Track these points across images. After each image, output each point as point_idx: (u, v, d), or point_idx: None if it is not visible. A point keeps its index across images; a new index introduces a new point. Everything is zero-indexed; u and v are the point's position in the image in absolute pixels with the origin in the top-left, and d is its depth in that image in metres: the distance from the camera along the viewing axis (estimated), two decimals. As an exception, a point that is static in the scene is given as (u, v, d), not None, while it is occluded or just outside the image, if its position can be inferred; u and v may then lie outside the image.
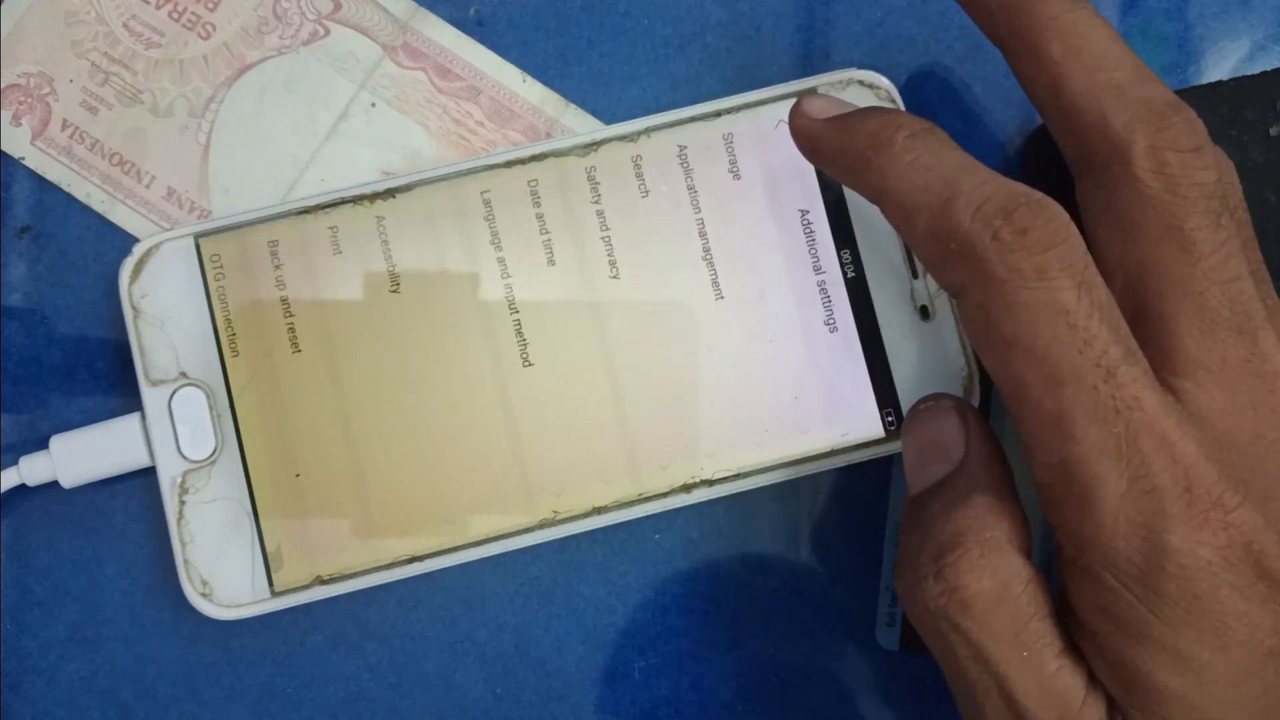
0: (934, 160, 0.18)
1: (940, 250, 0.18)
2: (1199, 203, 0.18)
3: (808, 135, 0.21)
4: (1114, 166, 0.19)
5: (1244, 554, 0.17)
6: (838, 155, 0.20)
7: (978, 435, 0.20)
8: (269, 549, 0.23)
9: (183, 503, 0.23)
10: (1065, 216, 0.17)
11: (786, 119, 0.21)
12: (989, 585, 0.18)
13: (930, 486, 0.20)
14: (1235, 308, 0.18)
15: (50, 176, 0.25)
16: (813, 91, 0.20)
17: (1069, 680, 0.18)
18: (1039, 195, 0.18)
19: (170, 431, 0.23)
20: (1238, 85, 0.25)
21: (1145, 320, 0.19)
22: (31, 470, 0.23)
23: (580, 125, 0.25)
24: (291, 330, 0.24)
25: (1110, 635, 0.18)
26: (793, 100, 0.24)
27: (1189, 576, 0.17)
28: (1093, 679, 0.18)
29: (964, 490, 0.19)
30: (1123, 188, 0.19)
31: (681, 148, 0.24)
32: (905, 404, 0.24)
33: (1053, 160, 0.25)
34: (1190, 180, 0.18)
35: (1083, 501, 0.17)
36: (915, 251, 0.19)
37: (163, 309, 0.24)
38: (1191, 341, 0.18)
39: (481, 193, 0.24)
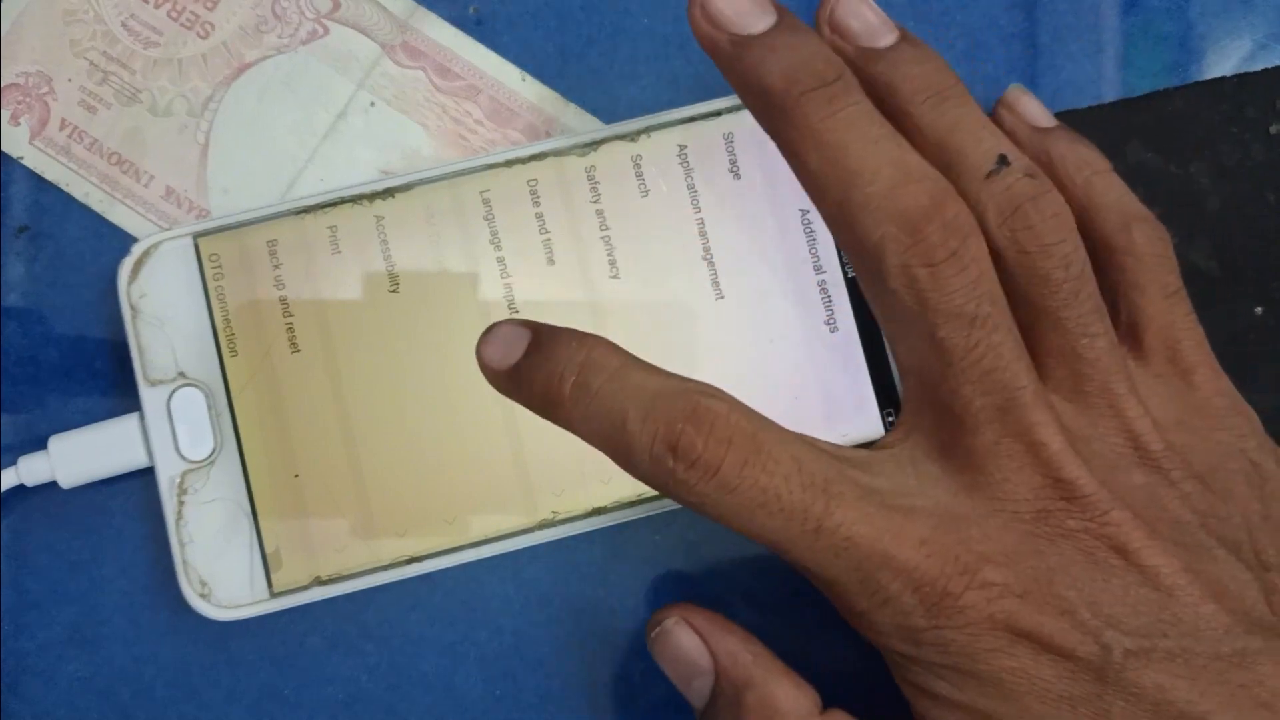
0: (601, 406, 0.19)
1: (648, 480, 0.19)
2: (950, 312, 0.19)
3: (496, 386, 0.20)
4: (874, 276, 0.19)
5: (990, 624, 0.18)
6: (530, 407, 0.20)
7: (715, 637, 0.21)
8: (268, 549, 0.23)
9: (181, 503, 0.23)
10: (724, 410, 0.18)
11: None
12: None
13: (708, 700, 0.21)
14: (989, 399, 0.19)
15: (49, 176, 0.25)
16: (492, 329, 0.20)
17: None
18: (694, 404, 0.18)
19: (169, 432, 0.23)
20: (1240, 82, 0.25)
21: (920, 409, 0.20)
22: (30, 470, 0.23)
23: (580, 124, 0.25)
24: (290, 330, 0.24)
25: (918, 699, 0.20)
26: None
27: (948, 653, 0.18)
28: None
29: (733, 696, 0.21)
30: (885, 295, 0.19)
31: (681, 147, 0.24)
32: (906, 404, 0.24)
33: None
34: (941, 291, 0.19)
35: (850, 613, 0.19)
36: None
37: (161, 309, 0.23)
38: (946, 433, 0.19)
39: (481, 192, 0.24)
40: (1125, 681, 0.18)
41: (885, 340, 0.21)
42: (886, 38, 0.21)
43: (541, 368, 0.19)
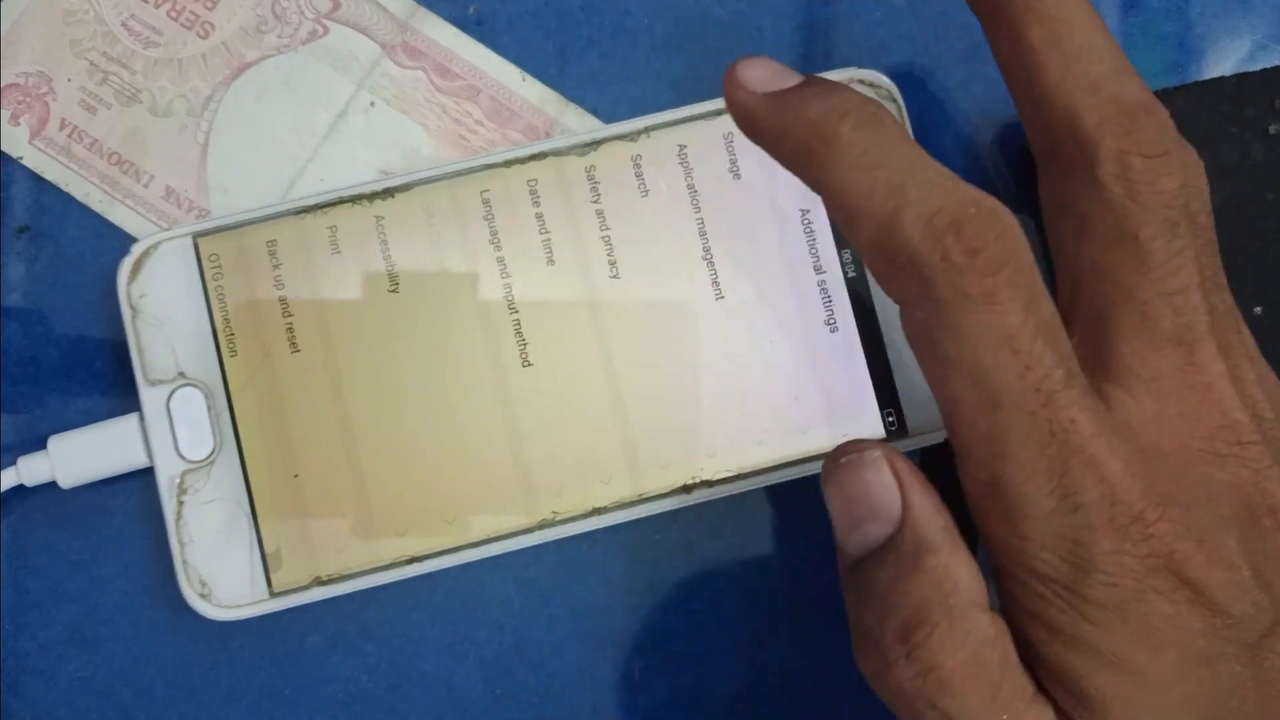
0: (881, 157, 0.17)
1: (885, 263, 0.17)
2: (1157, 211, 0.18)
3: (745, 112, 0.19)
4: (1079, 164, 0.18)
5: (1166, 561, 0.17)
6: (777, 140, 0.18)
7: (915, 489, 0.18)
8: (268, 549, 0.23)
9: (181, 503, 0.23)
10: (1015, 228, 0.17)
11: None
12: (963, 658, 0.17)
13: (872, 550, 0.19)
14: (1177, 319, 0.18)
15: (49, 176, 0.25)
16: (753, 57, 0.18)
17: (1042, 716, 0.18)
18: (989, 203, 0.17)
19: (169, 432, 0.23)
20: (1239, 82, 0.25)
21: (1087, 321, 0.19)
22: (30, 470, 0.23)
23: (580, 124, 0.25)
24: (290, 330, 0.24)
25: (1047, 642, 0.18)
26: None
27: (1115, 583, 0.17)
28: (1059, 710, 0.18)
29: (914, 554, 0.18)
30: (1085, 187, 0.18)
31: (681, 147, 0.24)
32: (906, 404, 0.24)
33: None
34: (1152, 188, 0.18)
35: (1010, 517, 0.17)
36: (859, 255, 0.18)
37: (161, 309, 0.23)
38: (1129, 350, 0.18)
39: (481, 192, 0.24)
40: (1267, 649, 0.17)
41: (1053, 240, 0.19)
42: None
43: (821, 100, 0.17)
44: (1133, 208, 0.18)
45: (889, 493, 0.18)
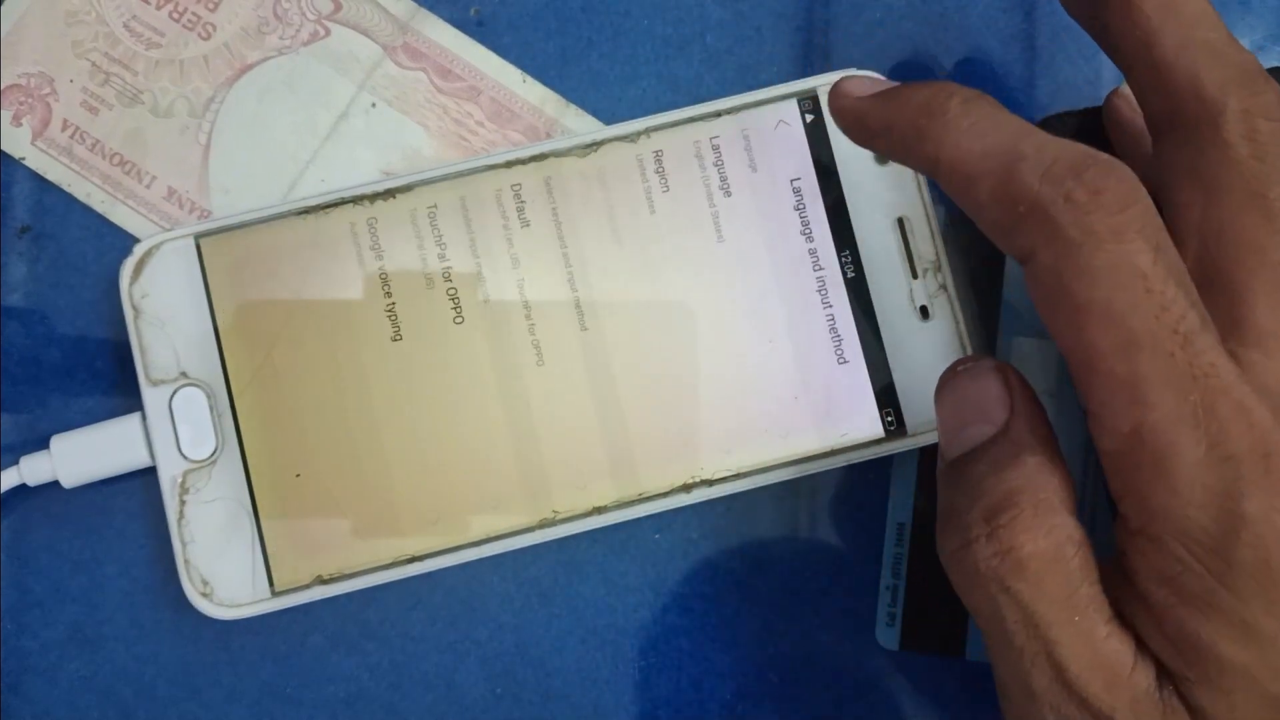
0: (991, 125, 0.18)
1: (1008, 215, 0.17)
2: None
3: (852, 113, 0.20)
4: (1203, 127, 0.18)
5: None
6: (887, 129, 0.19)
7: (1022, 396, 0.19)
8: (269, 549, 0.23)
9: (183, 502, 0.23)
10: (1136, 179, 0.17)
11: (826, 102, 0.21)
12: (1044, 546, 0.17)
13: (972, 449, 0.19)
14: None
15: (51, 177, 0.25)
16: (850, 75, 0.20)
17: (1118, 646, 0.18)
18: (1107, 156, 0.17)
19: (171, 431, 0.23)
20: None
21: (1218, 287, 0.18)
22: (32, 470, 0.23)
23: (580, 125, 0.25)
24: (292, 329, 0.24)
25: (1173, 606, 0.17)
26: (793, 100, 0.24)
27: (1264, 545, 0.16)
28: (1142, 647, 0.18)
29: (1013, 451, 0.18)
30: (1210, 149, 0.18)
31: (681, 148, 0.24)
32: (905, 404, 0.24)
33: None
34: (1279, 150, 0.18)
35: (1156, 469, 0.17)
36: (978, 219, 0.18)
37: (163, 309, 0.24)
38: (1264, 311, 0.18)
39: (481, 193, 0.24)
40: None
41: (1171, 207, 0.19)
42: None
43: (924, 88, 0.19)
44: (1260, 168, 0.18)
45: (999, 399, 0.19)
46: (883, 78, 0.20)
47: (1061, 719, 0.18)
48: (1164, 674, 0.18)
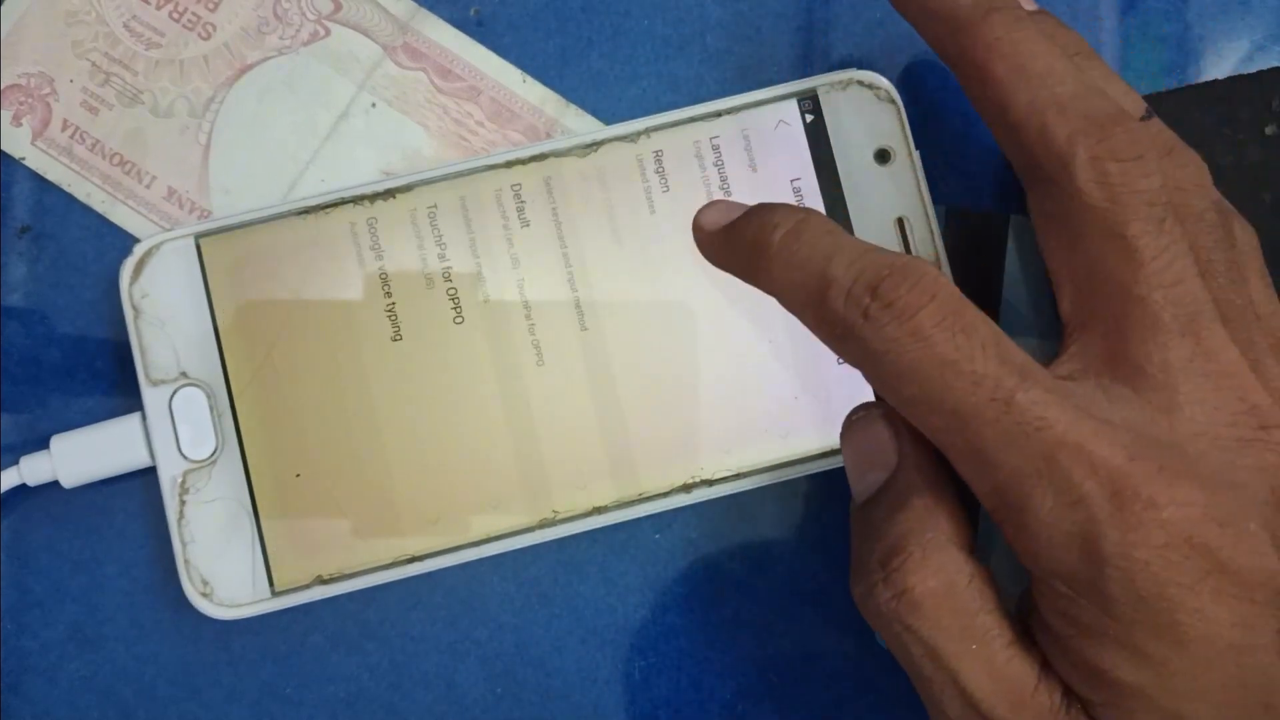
0: (809, 253, 0.19)
1: (829, 338, 0.19)
2: (1140, 209, 0.19)
3: (704, 247, 0.22)
4: (1058, 178, 0.19)
5: (1186, 550, 0.17)
6: (730, 264, 0.21)
7: (908, 440, 0.20)
8: (269, 549, 0.23)
9: (183, 502, 0.23)
10: (933, 273, 0.18)
11: (693, 222, 0.22)
12: (934, 585, 0.18)
13: (872, 494, 0.20)
14: (1178, 310, 0.18)
15: (51, 177, 0.25)
16: (712, 202, 0.22)
17: (1020, 668, 0.18)
18: (904, 261, 0.18)
19: (171, 431, 0.23)
20: (1233, 84, 0.25)
21: (1093, 326, 0.19)
22: (32, 470, 0.23)
23: (580, 125, 0.25)
24: (292, 330, 0.24)
25: (1071, 636, 0.18)
26: (793, 100, 0.24)
27: (1130, 579, 0.17)
28: (1045, 666, 0.19)
29: (902, 494, 0.20)
30: (1067, 198, 0.19)
31: (682, 148, 0.24)
32: (905, 404, 0.24)
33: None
34: (1131, 188, 0.19)
35: (1018, 522, 0.18)
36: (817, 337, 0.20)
37: (163, 309, 0.24)
38: (1134, 347, 0.19)
39: (481, 193, 0.24)
40: None
41: (1048, 254, 0.20)
42: (1030, 4, 0.22)
43: (757, 220, 0.20)
44: (1114, 209, 0.19)
45: (888, 444, 0.20)
46: (736, 202, 0.21)
47: None
48: (1070, 694, 0.18)
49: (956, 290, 0.18)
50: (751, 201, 0.24)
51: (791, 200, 0.24)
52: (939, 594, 0.18)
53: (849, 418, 0.21)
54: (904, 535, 0.19)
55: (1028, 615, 0.19)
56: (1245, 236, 0.20)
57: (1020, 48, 0.20)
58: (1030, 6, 0.21)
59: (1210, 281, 0.19)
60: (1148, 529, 0.17)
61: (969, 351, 0.18)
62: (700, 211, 0.22)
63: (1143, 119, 0.20)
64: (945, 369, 0.18)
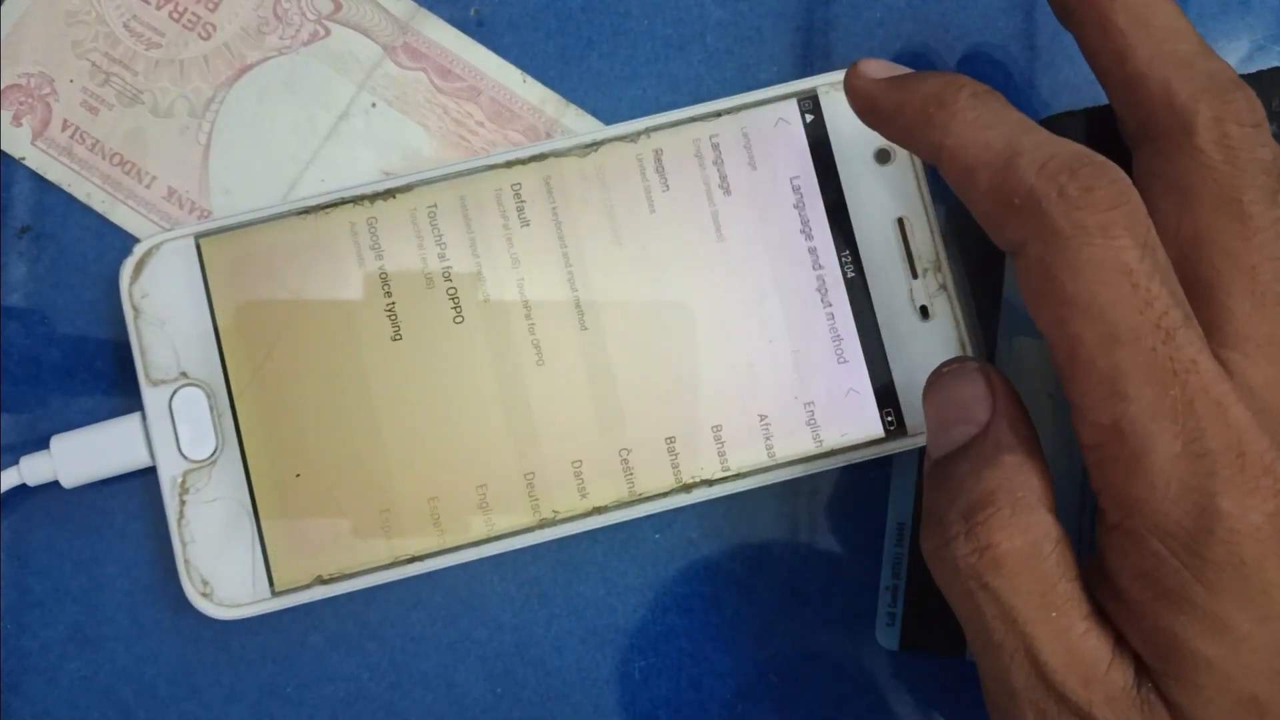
0: (996, 119, 0.18)
1: (1002, 206, 0.18)
2: (1257, 177, 0.18)
3: (865, 94, 0.21)
4: (1176, 136, 0.19)
5: None
6: (896, 113, 0.20)
7: (1004, 396, 0.19)
8: (269, 549, 0.23)
9: (183, 502, 0.23)
10: (1128, 180, 0.17)
11: (844, 82, 0.21)
12: (1020, 544, 0.18)
13: (955, 448, 0.20)
14: None
15: (51, 177, 0.25)
16: (862, 61, 0.21)
17: (1095, 643, 0.18)
18: (1102, 157, 0.17)
19: (171, 431, 0.23)
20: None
21: (1197, 291, 0.18)
22: (32, 470, 0.23)
23: (580, 125, 0.25)
24: (292, 329, 0.24)
25: (1149, 601, 0.17)
26: (792, 100, 0.24)
27: (1237, 542, 0.16)
28: (1120, 643, 0.18)
29: (993, 450, 0.19)
30: (1184, 157, 0.19)
31: (681, 148, 0.24)
32: (905, 404, 0.24)
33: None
34: (1250, 154, 0.18)
35: (1133, 463, 0.17)
36: (974, 209, 0.19)
37: (163, 309, 0.24)
38: (1242, 315, 0.18)
39: (481, 193, 0.24)
40: None
41: (1154, 216, 0.19)
42: None
43: (935, 77, 0.19)
44: (1233, 173, 0.18)
45: (981, 399, 0.20)
46: (900, 66, 0.21)
47: (1040, 715, 0.18)
48: (1142, 670, 0.18)
49: (1144, 205, 0.17)
50: (752, 200, 0.24)
51: (792, 201, 0.24)
52: (1024, 554, 0.18)
53: (939, 369, 0.21)
54: (993, 491, 0.18)
55: (1096, 587, 0.18)
56: None
57: (1144, 0, 0.19)
58: None
59: None
60: (1264, 495, 0.16)
61: (1150, 267, 0.17)
62: (860, 62, 0.20)
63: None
64: (1123, 276, 0.17)
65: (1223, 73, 0.19)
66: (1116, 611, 0.18)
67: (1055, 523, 0.18)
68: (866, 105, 0.21)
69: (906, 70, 0.21)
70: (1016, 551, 0.18)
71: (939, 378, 0.21)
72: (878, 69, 0.21)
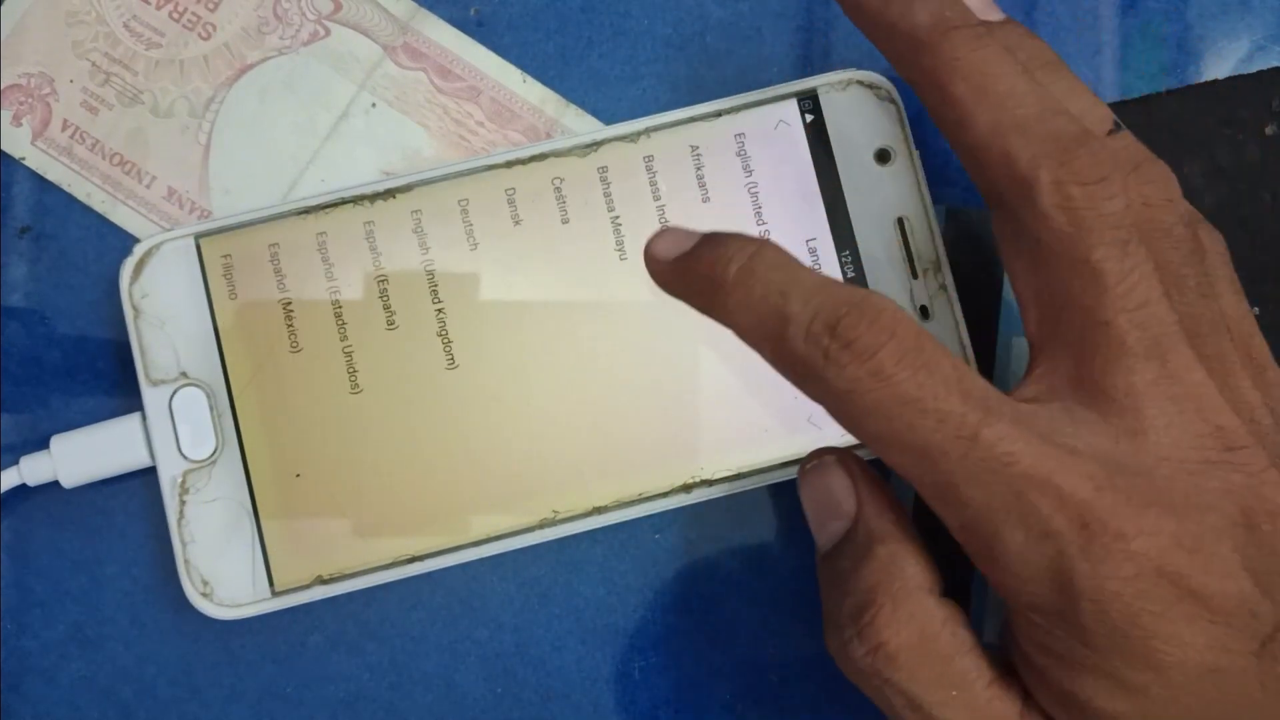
0: (764, 290, 0.18)
1: (792, 376, 0.19)
2: (1104, 234, 0.18)
3: (659, 278, 0.21)
4: (1021, 202, 0.19)
5: (1156, 579, 0.17)
6: (685, 297, 0.20)
7: (865, 486, 0.20)
8: (269, 549, 0.23)
9: (183, 502, 0.23)
10: (891, 307, 0.18)
11: (646, 249, 0.21)
12: (907, 636, 0.19)
13: (835, 544, 0.20)
14: (1143, 333, 0.18)
15: (51, 177, 0.25)
16: (662, 230, 0.20)
17: (1002, 708, 0.19)
18: (860, 295, 0.18)
19: (171, 431, 0.23)
20: (1233, 84, 0.25)
21: (1059, 349, 0.19)
22: (32, 470, 0.23)
23: (580, 125, 0.25)
24: (292, 330, 0.24)
25: (1050, 666, 0.18)
26: (793, 100, 0.24)
27: (1103, 610, 0.17)
28: (1028, 701, 0.19)
29: (865, 544, 0.20)
30: (1031, 221, 0.19)
31: (682, 148, 0.24)
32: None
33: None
34: (1095, 212, 0.18)
35: (990, 557, 0.18)
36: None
37: (163, 309, 0.24)
38: (1099, 372, 0.18)
39: (481, 193, 0.24)
40: (1272, 654, 0.17)
41: (1012, 276, 0.20)
42: (995, 14, 0.21)
43: (710, 253, 0.19)
44: (1078, 234, 0.18)
45: (846, 492, 0.20)
46: (691, 230, 0.20)
47: None
48: None
49: (914, 324, 0.18)
50: (751, 202, 0.24)
51: (795, 199, 0.24)
52: (914, 645, 0.19)
53: (803, 466, 0.21)
54: (872, 588, 0.19)
55: (1009, 647, 0.19)
56: (1214, 245, 0.20)
57: (982, 68, 0.19)
58: (995, 15, 0.21)
59: (1179, 299, 0.19)
60: (1117, 560, 0.17)
61: (932, 389, 0.17)
62: (651, 241, 0.20)
63: (1110, 132, 0.20)
64: (908, 408, 0.17)
65: (1064, 131, 0.19)
66: (1026, 674, 0.19)
67: (939, 603, 0.19)
68: (663, 286, 0.21)
69: (692, 239, 0.20)
70: (906, 644, 0.19)
71: (804, 474, 0.21)
72: (666, 247, 0.20)
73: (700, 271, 0.19)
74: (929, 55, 0.20)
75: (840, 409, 0.18)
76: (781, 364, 0.18)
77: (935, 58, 0.20)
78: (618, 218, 0.24)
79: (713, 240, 0.19)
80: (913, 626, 0.19)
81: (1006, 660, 0.19)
